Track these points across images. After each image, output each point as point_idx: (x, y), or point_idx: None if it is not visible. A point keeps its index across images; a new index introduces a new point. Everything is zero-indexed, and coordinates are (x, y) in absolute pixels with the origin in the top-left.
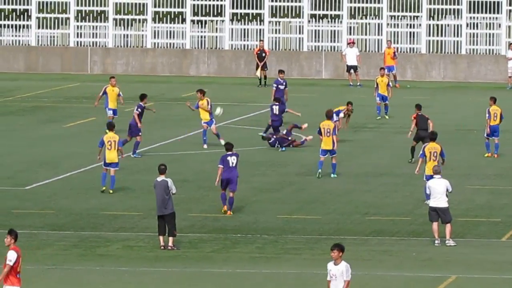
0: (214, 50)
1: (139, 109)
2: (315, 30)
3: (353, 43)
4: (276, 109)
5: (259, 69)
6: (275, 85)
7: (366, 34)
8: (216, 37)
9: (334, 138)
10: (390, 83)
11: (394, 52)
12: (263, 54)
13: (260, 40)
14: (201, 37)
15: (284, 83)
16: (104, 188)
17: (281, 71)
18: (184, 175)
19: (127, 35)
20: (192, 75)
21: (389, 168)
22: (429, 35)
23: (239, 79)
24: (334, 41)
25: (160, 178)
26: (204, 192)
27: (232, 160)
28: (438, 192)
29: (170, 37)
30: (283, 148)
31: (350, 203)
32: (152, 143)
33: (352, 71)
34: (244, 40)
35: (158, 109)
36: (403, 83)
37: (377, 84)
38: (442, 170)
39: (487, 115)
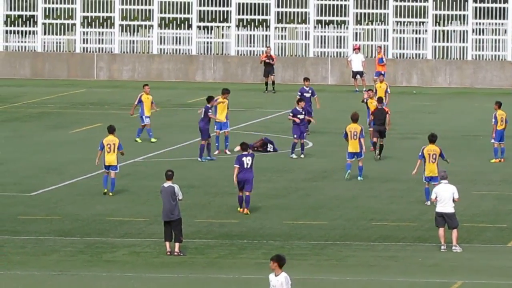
0: (220, 56)
1: (210, 111)
2: (321, 36)
3: (359, 49)
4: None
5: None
6: (299, 93)
7: (372, 40)
8: (222, 43)
9: (362, 141)
10: (389, 90)
11: (381, 58)
12: (271, 60)
13: (267, 46)
14: (207, 43)
15: (310, 91)
16: (105, 190)
17: (306, 79)
18: (190, 181)
19: (133, 41)
20: (198, 81)
21: (395, 174)
22: (435, 41)
23: (245, 85)
24: (340, 47)
25: (167, 184)
26: (210, 198)
27: (247, 161)
28: (445, 197)
29: (176, 43)
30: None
31: (356, 209)
32: (158, 149)
33: (358, 76)
34: (250, 46)
35: (164, 115)
36: (409, 89)
37: (375, 90)
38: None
39: (493, 120)
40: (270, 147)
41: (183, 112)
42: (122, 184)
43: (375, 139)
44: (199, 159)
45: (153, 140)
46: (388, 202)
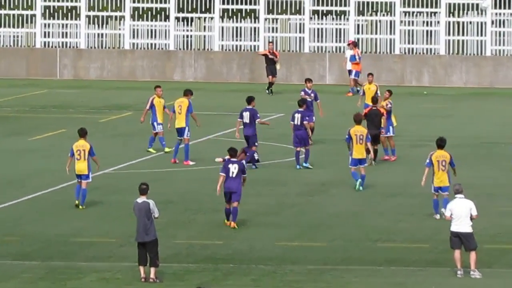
0: (202, 52)
1: (258, 115)
2: (318, 29)
3: (354, 44)
4: (297, 117)
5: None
6: (302, 92)
7: (376, 33)
8: (204, 36)
9: (369, 146)
10: (379, 92)
11: (354, 55)
12: (274, 57)
13: (269, 42)
14: (187, 36)
15: (312, 94)
16: (77, 202)
17: (308, 80)
18: (168, 195)
19: (102, 34)
20: (176, 80)
21: (404, 187)
22: (449, 34)
23: (230, 84)
24: (340, 41)
25: (141, 199)
26: (191, 216)
27: (233, 168)
28: (461, 214)
29: (151, 37)
30: (254, 167)
31: (359, 228)
32: (130, 159)
33: (351, 76)
34: (237, 40)
35: (138, 120)
36: (419, 89)
37: (363, 92)
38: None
39: None
40: (255, 156)
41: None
42: (90, 200)
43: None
44: (253, 166)
45: (166, 149)
46: (396, 219)
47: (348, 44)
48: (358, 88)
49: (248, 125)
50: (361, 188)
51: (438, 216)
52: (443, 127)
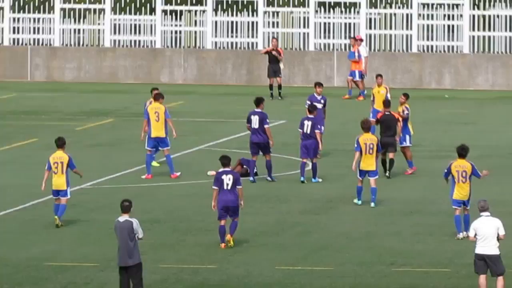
0: (193, 50)
1: (268, 120)
2: (325, 23)
3: (361, 40)
4: (307, 125)
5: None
6: (308, 102)
7: (391, 28)
8: (195, 32)
9: (378, 155)
10: (389, 95)
11: (353, 52)
12: (278, 55)
13: (273, 38)
14: (176, 32)
15: (322, 101)
16: (57, 220)
17: (318, 85)
18: (154, 214)
19: (79, 30)
20: (164, 83)
21: (423, 204)
22: (474, 30)
23: (225, 87)
24: (350, 38)
25: (123, 218)
26: (180, 236)
27: (227, 180)
28: (487, 235)
29: (135, 33)
30: (252, 179)
31: (371, 250)
32: (111, 172)
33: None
34: (232, 37)
35: (120, 128)
36: (440, 92)
37: (373, 96)
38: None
39: None
40: (255, 169)
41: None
42: (65, 219)
43: (383, 156)
44: (268, 178)
45: (154, 163)
46: (413, 240)
47: (356, 41)
48: (362, 91)
49: (257, 131)
50: (373, 204)
51: (461, 235)
52: (467, 136)
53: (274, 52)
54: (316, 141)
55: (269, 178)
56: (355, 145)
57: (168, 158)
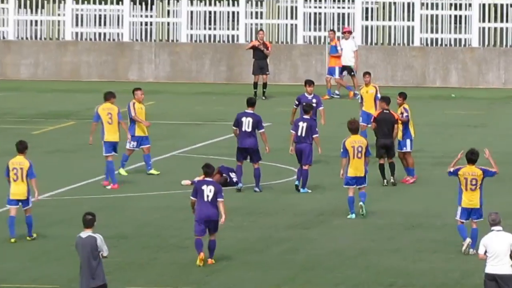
0: (166, 44)
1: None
2: (315, 14)
3: (350, 32)
4: (302, 127)
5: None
6: (296, 102)
7: (390, 19)
8: (168, 24)
9: (368, 162)
10: (379, 95)
11: (334, 46)
12: (265, 49)
13: (260, 30)
14: (146, 24)
15: (315, 100)
16: (13, 239)
17: (309, 83)
18: (120, 229)
19: (36, 21)
20: (132, 81)
21: (426, 217)
22: (483, 21)
23: (202, 86)
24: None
25: (85, 233)
26: (151, 254)
27: (207, 191)
28: (498, 252)
29: (100, 25)
30: (241, 185)
31: (368, 269)
32: (72, 182)
33: (345, 73)
34: (210, 29)
35: (82, 131)
36: (445, 91)
37: (361, 98)
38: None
39: None
40: (233, 176)
41: None
42: (20, 234)
43: (381, 161)
44: (256, 189)
45: (153, 172)
46: (415, 258)
47: (343, 33)
48: (337, 92)
49: (248, 135)
50: (361, 203)
51: (468, 240)
52: (476, 140)
53: (261, 46)
54: (311, 146)
55: (257, 189)
56: (341, 150)
57: (111, 165)
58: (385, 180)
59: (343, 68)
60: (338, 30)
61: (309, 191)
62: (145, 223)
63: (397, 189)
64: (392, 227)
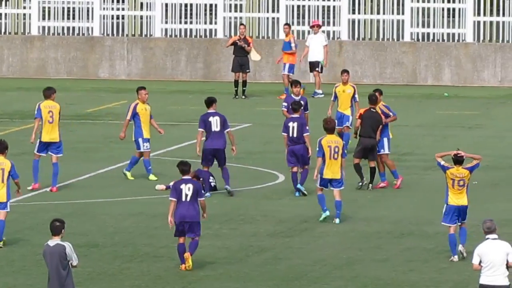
0: (138, 39)
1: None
2: (298, 6)
3: (319, 26)
4: (293, 127)
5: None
6: (285, 104)
7: (378, 13)
8: (141, 17)
9: (343, 163)
10: (357, 96)
11: (288, 42)
12: (244, 45)
13: (241, 24)
14: (118, 17)
15: (304, 103)
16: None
17: (295, 83)
18: (91, 236)
19: (0, 14)
20: (103, 78)
21: (417, 225)
22: (478, 14)
23: (177, 83)
24: (329, 24)
25: (54, 241)
26: (123, 264)
27: (186, 190)
28: (494, 262)
29: (69, 19)
30: (209, 195)
31: (355, 280)
32: (40, 186)
33: (317, 69)
34: (186, 23)
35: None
36: (438, 89)
37: (335, 96)
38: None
39: None
40: (212, 180)
41: (80, 129)
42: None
43: (357, 160)
44: (227, 187)
45: (152, 177)
46: (405, 268)
47: (312, 27)
48: (321, 91)
49: (217, 135)
50: (337, 220)
51: (456, 258)
52: (470, 142)
53: (241, 42)
54: (306, 146)
55: (228, 187)
56: (317, 149)
57: (56, 167)
58: (364, 180)
59: (310, 63)
60: (323, 24)
61: (306, 193)
62: (117, 230)
63: (385, 195)
64: (380, 236)
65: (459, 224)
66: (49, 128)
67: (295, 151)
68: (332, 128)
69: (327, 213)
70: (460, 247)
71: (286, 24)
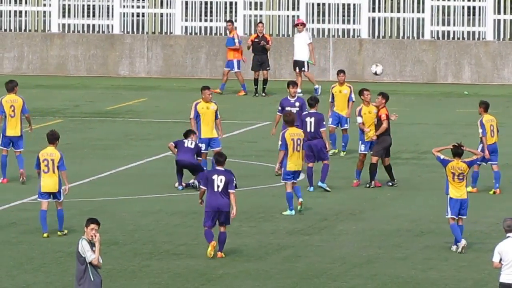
0: (159, 36)
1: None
2: (319, 4)
3: (303, 25)
4: (310, 122)
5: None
6: (279, 108)
7: (398, 11)
8: (162, 15)
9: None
10: (353, 96)
11: (232, 38)
12: (263, 44)
13: (259, 22)
14: (138, 15)
15: (298, 103)
16: (45, 234)
17: (292, 84)
18: (111, 234)
19: (20, 12)
20: (123, 76)
21: (436, 223)
22: (498, 12)
23: (197, 81)
24: (349, 22)
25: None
26: (143, 261)
27: (218, 181)
28: None
29: (89, 16)
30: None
31: (375, 279)
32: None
33: (298, 69)
34: (206, 21)
35: (71, 130)
36: (458, 88)
37: (332, 96)
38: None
39: None
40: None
41: (100, 126)
42: (1, 240)
43: (376, 159)
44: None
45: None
46: (424, 266)
47: (296, 25)
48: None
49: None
50: (299, 208)
51: (454, 248)
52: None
53: (262, 43)
54: (323, 140)
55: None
56: (280, 142)
57: (20, 158)
58: (396, 181)
59: (295, 63)
60: (344, 22)
61: (329, 189)
62: (137, 228)
63: (404, 193)
64: (400, 234)
65: (457, 219)
66: (12, 122)
67: (312, 145)
68: (292, 121)
69: (293, 212)
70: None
71: (229, 20)
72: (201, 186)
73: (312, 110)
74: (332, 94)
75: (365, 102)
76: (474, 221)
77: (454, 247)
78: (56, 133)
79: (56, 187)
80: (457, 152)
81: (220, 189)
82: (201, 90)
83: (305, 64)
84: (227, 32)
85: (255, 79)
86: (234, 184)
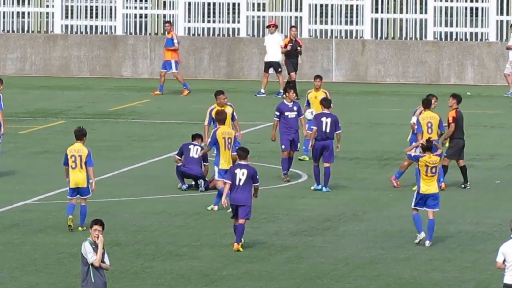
0: (161, 37)
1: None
2: (321, 5)
3: (275, 26)
4: (326, 123)
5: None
6: (277, 113)
7: (401, 12)
8: (164, 16)
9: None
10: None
11: (170, 39)
12: (295, 48)
13: (292, 26)
14: (141, 16)
15: (295, 108)
16: (71, 217)
17: (290, 89)
18: (114, 235)
19: (23, 13)
20: (126, 77)
21: (439, 224)
22: (501, 13)
23: (200, 82)
24: (352, 23)
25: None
26: (146, 263)
27: (240, 174)
28: None
29: (92, 17)
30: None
31: (378, 279)
32: (61, 185)
33: (271, 70)
34: (209, 22)
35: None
36: (461, 89)
37: (308, 102)
38: None
39: None
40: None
41: (103, 127)
42: (5, 241)
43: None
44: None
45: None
46: (427, 267)
47: (268, 27)
48: (263, 91)
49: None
50: (213, 207)
51: (422, 236)
52: (494, 142)
53: (299, 48)
54: (333, 143)
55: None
56: (210, 140)
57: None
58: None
59: (268, 64)
60: (346, 23)
61: (329, 190)
62: (140, 229)
63: (407, 194)
64: (402, 235)
65: (428, 210)
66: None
67: (324, 146)
68: (223, 119)
69: (216, 208)
70: (427, 243)
71: (167, 22)
72: (226, 181)
73: (327, 111)
74: (307, 100)
75: (314, 87)
76: (477, 222)
77: (427, 243)
78: (83, 129)
79: (84, 182)
80: (428, 147)
81: (241, 183)
82: (215, 96)
83: (279, 65)
84: (165, 32)
85: (293, 81)
86: (257, 178)
